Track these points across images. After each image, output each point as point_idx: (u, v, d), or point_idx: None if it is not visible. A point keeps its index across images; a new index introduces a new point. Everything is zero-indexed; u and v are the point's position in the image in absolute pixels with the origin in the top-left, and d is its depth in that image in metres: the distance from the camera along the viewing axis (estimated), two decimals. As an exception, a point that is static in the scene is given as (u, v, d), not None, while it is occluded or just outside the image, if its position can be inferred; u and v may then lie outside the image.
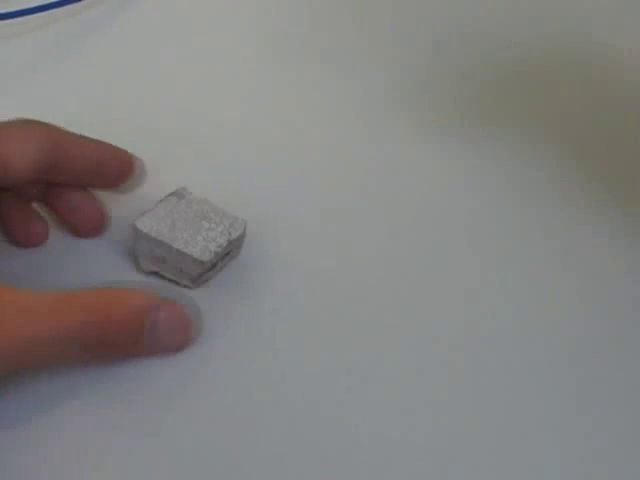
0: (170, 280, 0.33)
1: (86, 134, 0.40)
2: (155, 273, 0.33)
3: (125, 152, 0.33)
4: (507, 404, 0.31)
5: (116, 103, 0.42)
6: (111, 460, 0.28)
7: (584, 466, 0.29)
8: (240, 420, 0.29)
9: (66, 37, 0.45)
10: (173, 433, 0.29)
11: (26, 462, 0.27)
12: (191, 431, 0.29)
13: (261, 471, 0.28)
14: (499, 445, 0.30)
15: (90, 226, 0.34)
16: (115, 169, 0.33)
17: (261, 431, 0.29)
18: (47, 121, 0.31)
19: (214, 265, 0.33)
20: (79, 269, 0.34)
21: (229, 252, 0.34)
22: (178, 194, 0.34)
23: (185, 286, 0.33)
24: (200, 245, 0.33)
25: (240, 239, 0.34)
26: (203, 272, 0.33)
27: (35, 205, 0.34)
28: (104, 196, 0.37)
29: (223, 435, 0.29)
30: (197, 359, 0.31)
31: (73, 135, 0.32)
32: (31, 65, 0.44)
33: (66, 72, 0.44)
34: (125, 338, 0.28)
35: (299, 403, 0.30)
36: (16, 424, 0.28)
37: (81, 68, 0.44)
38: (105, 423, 0.29)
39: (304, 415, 0.30)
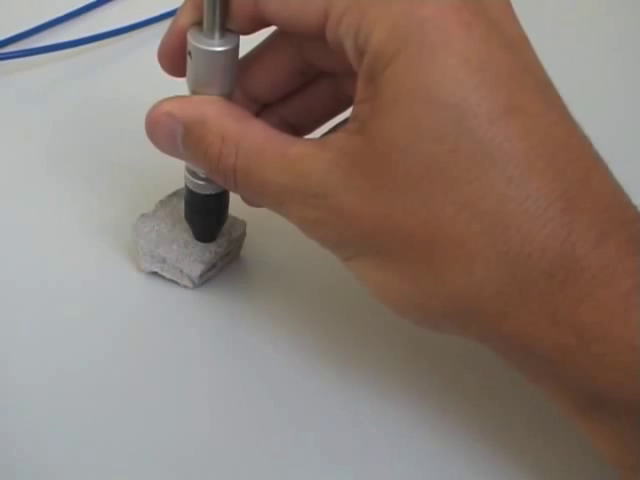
0: (170, 280, 0.33)
1: (86, 132, 0.41)
2: (155, 273, 0.33)
3: None
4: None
5: (117, 102, 0.42)
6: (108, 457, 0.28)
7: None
8: (241, 420, 0.29)
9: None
10: (172, 433, 0.29)
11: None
12: (191, 432, 0.29)
13: (261, 472, 0.28)
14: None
15: None
16: None
17: (262, 431, 0.29)
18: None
19: (214, 265, 0.33)
20: (79, 269, 0.34)
21: (229, 252, 0.34)
22: (178, 194, 0.34)
23: (185, 286, 0.33)
24: (200, 245, 0.33)
25: (240, 239, 0.34)
26: (203, 272, 0.33)
27: None
28: (104, 196, 0.37)
29: (223, 435, 0.29)
30: (197, 359, 0.31)
31: None
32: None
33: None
34: None
35: (300, 403, 0.30)
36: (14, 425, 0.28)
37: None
38: (100, 422, 0.29)
39: (304, 415, 0.30)
